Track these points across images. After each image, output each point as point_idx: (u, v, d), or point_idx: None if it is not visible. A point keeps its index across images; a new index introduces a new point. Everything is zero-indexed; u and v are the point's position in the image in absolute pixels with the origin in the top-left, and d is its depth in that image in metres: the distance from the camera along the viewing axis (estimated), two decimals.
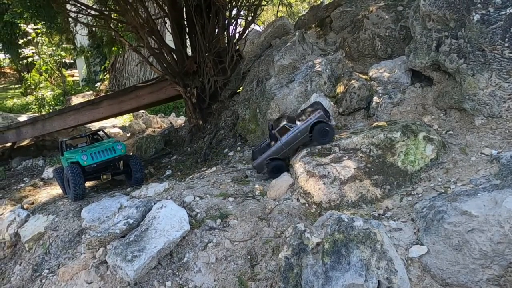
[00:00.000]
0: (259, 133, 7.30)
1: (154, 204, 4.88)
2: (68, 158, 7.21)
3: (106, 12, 8.18)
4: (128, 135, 15.41)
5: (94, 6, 7.82)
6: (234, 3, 8.41)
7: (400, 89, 5.53)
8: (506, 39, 3.93)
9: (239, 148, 7.61)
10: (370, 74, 6.05)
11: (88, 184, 7.81)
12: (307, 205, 4.58)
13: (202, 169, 7.30)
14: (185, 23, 9.23)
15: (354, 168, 4.51)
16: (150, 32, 8.54)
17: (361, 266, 3.03)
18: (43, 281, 4.88)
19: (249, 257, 4.18)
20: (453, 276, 2.90)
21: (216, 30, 8.84)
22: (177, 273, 4.15)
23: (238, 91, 9.39)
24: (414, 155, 4.36)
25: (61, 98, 21.45)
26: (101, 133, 8.25)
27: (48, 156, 12.17)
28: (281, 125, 5.34)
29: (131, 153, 11.05)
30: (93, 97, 22.12)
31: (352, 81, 6.02)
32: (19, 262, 5.60)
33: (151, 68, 9.28)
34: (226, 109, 9.31)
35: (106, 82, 21.88)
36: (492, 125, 4.27)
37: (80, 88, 22.46)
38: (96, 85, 22.22)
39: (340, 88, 6.23)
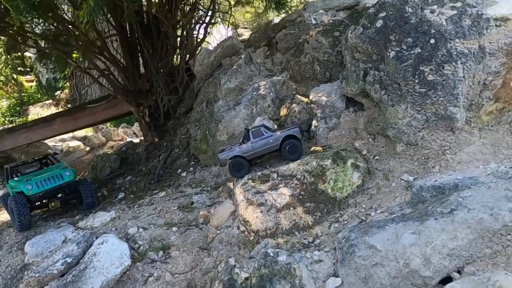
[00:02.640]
0: (210, 154, 7.42)
1: (96, 239, 4.88)
2: (12, 187, 6.99)
3: (49, 33, 7.97)
4: (87, 149, 15.04)
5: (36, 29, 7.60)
6: (181, 22, 8.44)
7: (336, 113, 5.85)
8: (416, 76, 4.30)
9: (191, 169, 7.69)
10: (311, 97, 6.33)
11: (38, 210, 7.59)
12: (246, 232, 4.76)
13: (155, 191, 7.33)
14: (137, 41, 9.17)
15: (289, 196, 4.75)
16: (98, 52, 8.42)
17: None
18: None
19: None
20: None
21: (167, 49, 8.86)
22: None
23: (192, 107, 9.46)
24: (343, 182, 4.66)
25: (18, 108, 20.50)
26: (50, 157, 8.04)
27: None
28: (256, 128, 5.37)
29: (86, 173, 10.84)
30: (52, 107, 21.28)
31: (293, 105, 6.29)
32: None
33: (102, 88, 9.11)
34: (181, 126, 9.34)
35: (67, 90, 21.09)
36: (410, 152, 4.64)
37: (39, 96, 21.43)
38: (56, 94, 21.31)
39: (283, 111, 6.48)
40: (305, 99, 6.46)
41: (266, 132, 5.26)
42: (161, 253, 4.77)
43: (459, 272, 2.85)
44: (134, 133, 17.89)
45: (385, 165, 4.82)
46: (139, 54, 9.29)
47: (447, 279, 2.84)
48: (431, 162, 4.44)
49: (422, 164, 4.53)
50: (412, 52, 4.34)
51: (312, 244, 4.15)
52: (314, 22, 7.33)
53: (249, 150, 5.29)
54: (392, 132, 4.76)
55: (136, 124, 18.52)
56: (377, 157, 5.01)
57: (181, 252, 4.73)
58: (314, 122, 5.98)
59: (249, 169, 5.35)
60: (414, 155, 4.62)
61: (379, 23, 4.77)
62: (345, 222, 4.27)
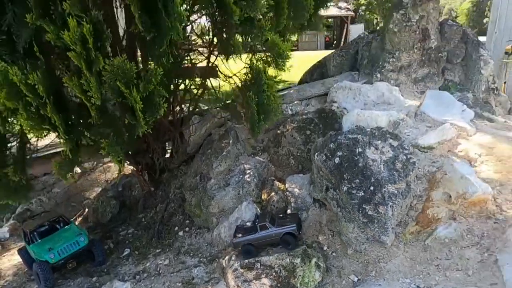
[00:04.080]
0: (203, 218, 8.95)
1: None
2: (35, 253, 8.32)
3: None
4: (79, 171, 16.03)
5: None
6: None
7: (305, 205, 7.49)
8: (360, 211, 5.98)
9: (187, 228, 9.22)
10: (287, 185, 7.93)
11: None
12: None
13: (157, 251, 8.86)
14: None
15: (269, 286, 6.44)
16: None
17: None
18: None
19: None
20: None
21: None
22: None
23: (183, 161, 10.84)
24: (308, 278, 6.38)
25: None
26: (62, 218, 9.32)
27: None
28: (263, 223, 6.99)
29: (86, 211, 12.08)
30: None
31: (272, 193, 7.87)
32: None
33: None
34: (175, 178, 10.77)
35: None
36: (357, 256, 6.39)
37: None
38: None
39: (264, 195, 8.07)
40: (282, 186, 8.06)
41: (270, 227, 6.85)
42: None
43: None
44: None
45: (339, 263, 6.56)
46: None
47: None
48: (370, 267, 6.22)
49: (364, 266, 6.30)
50: (358, 194, 5.99)
51: None
52: (290, 112, 8.79)
53: (257, 239, 6.97)
54: (345, 239, 6.48)
55: None
56: (334, 254, 6.75)
57: None
58: (288, 211, 7.61)
59: (255, 253, 6.97)
60: (359, 258, 6.38)
61: (336, 160, 6.36)
62: None
